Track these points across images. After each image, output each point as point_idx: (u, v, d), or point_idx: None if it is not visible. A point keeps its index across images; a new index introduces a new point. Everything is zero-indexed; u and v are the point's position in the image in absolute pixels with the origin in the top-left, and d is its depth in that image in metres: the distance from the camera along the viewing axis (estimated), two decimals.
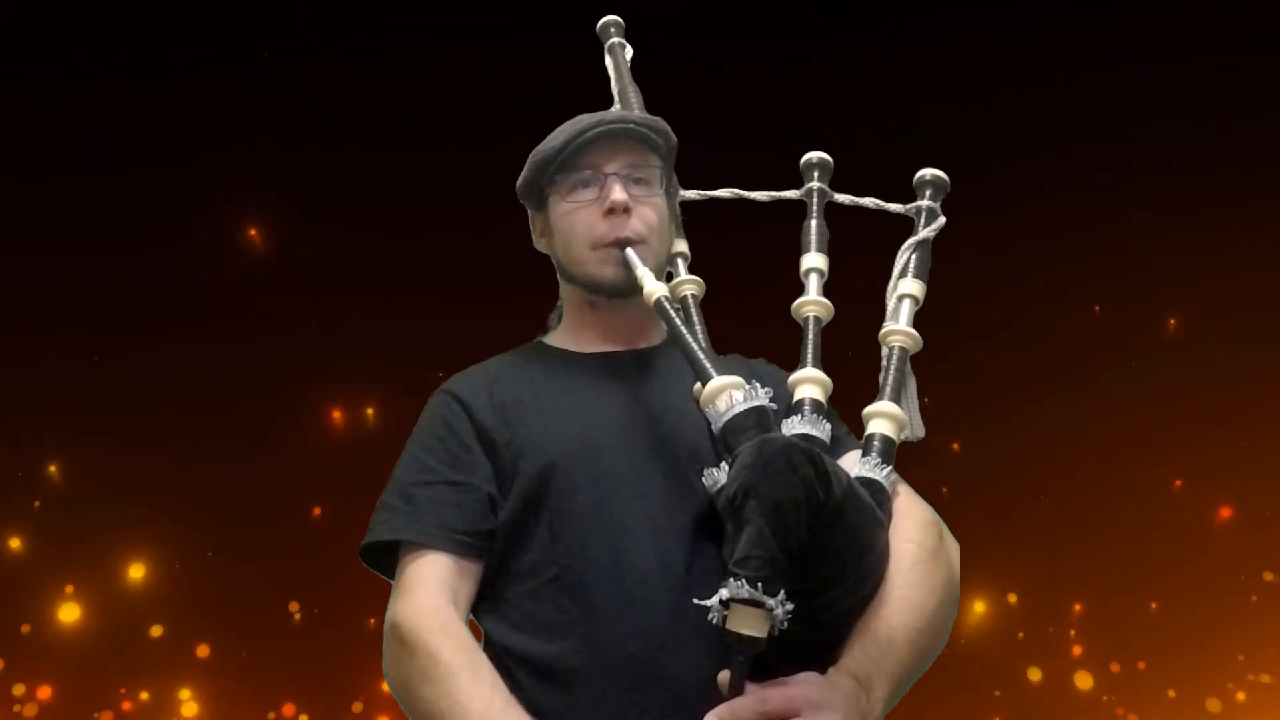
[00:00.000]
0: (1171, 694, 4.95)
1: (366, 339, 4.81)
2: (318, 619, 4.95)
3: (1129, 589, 4.96)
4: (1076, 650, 5.12)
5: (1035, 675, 5.06)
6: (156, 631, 4.95)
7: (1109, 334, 4.94)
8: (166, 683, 4.96)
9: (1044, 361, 4.88)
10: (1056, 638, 5.12)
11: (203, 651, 4.96)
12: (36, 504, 4.95)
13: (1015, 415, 4.89)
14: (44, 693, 4.92)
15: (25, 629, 4.90)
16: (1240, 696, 4.93)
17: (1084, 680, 5.05)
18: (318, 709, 4.99)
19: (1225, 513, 5.05)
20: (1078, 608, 5.15)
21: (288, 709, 5.00)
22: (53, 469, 4.98)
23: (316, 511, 5.04)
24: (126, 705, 4.95)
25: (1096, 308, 5.05)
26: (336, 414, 5.14)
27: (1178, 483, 5.06)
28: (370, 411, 5.15)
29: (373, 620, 4.30)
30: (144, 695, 4.97)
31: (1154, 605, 4.99)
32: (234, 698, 4.94)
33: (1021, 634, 5.11)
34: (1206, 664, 4.92)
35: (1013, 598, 5.06)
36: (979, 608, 4.96)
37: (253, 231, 5.05)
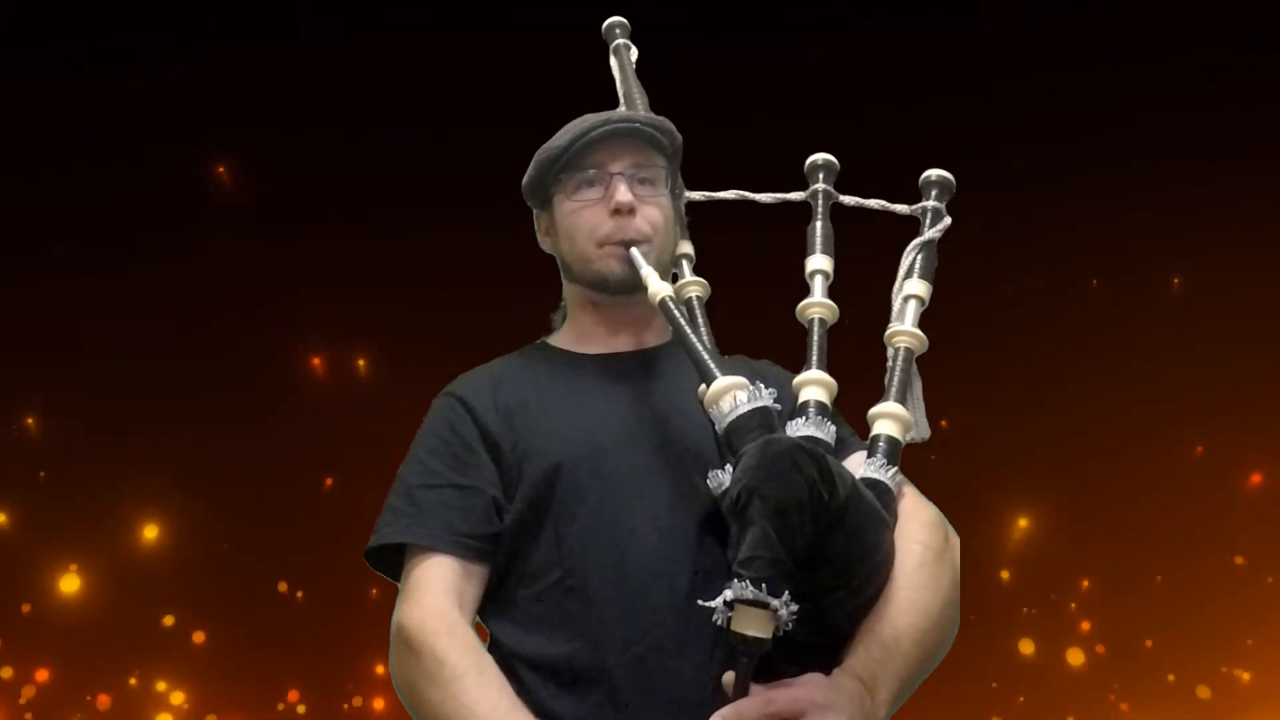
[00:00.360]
0: (1171, 678, 4.92)
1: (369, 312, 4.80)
2: (318, 595, 4.90)
3: (1137, 565, 4.91)
4: (1085, 625, 5.09)
5: (1028, 648, 5.04)
6: (161, 612, 4.93)
7: (1107, 300, 4.90)
8: (169, 665, 4.94)
9: (1040, 337, 4.85)
10: (1062, 614, 5.08)
11: (199, 637, 4.94)
12: (42, 474, 4.93)
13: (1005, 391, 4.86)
14: (41, 675, 4.90)
15: (26, 608, 4.88)
16: (1245, 677, 4.90)
17: (1077, 657, 5.02)
18: (320, 695, 4.98)
19: (1256, 479, 4.98)
20: (1085, 584, 5.12)
21: (292, 695, 4.99)
22: (54, 447, 4.95)
23: (329, 482, 5.03)
24: (106, 699, 4.93)
25: (1095, 282, 5.03)
26: (317, 361, 5.12)
27: (1199, 449, 5.01)
28: (361, 363, 5.14)
29: (375, 590, 4.31)
30: (133, 681, 4.95)
31: (1159, 578, 4.94)
32: (237, 680, 4.92)
33: (1026, 609, 5.08)
34: (1212, 646, 4.87)
35: (1005, 574, 5.01)
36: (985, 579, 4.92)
37: (225, 173, 5.02)
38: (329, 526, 4.55)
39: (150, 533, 5.03)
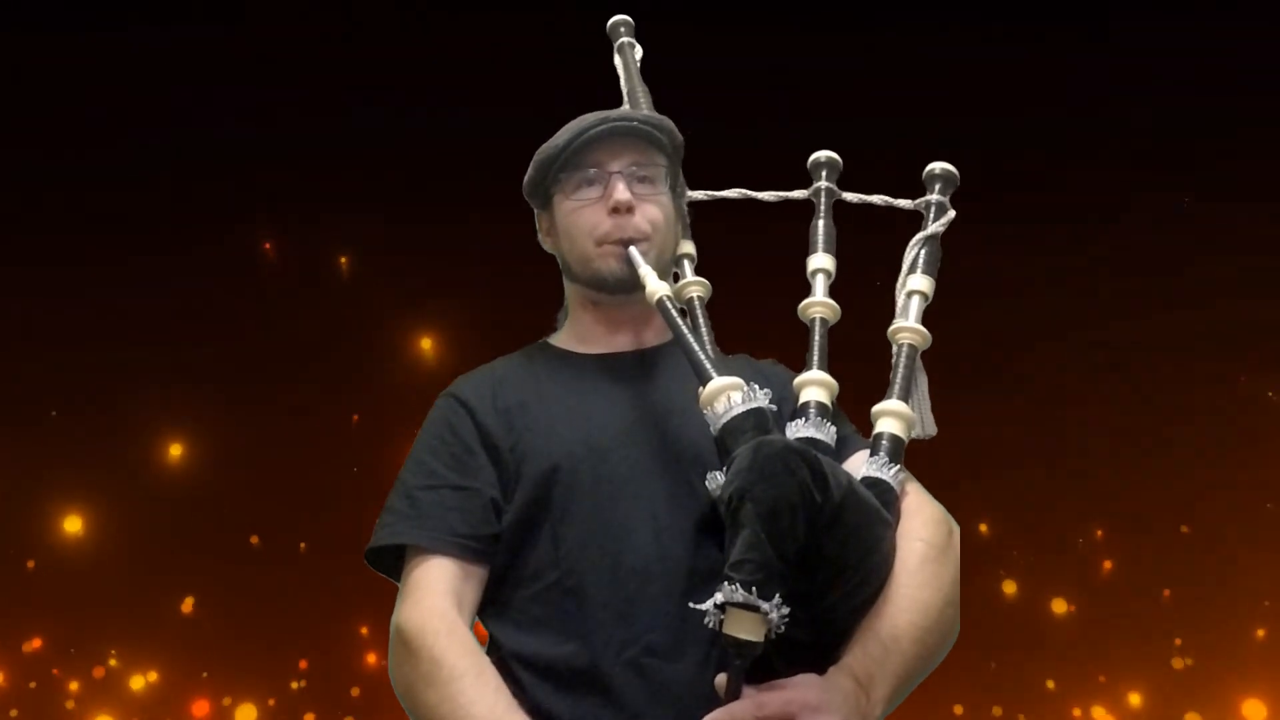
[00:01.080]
0: (1178, 642, 4.82)
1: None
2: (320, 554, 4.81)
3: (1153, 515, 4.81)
4: (1106, 564, 4.97)
5: (1010, 588, 4.94)
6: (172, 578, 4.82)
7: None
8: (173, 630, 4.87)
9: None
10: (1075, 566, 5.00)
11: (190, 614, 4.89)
12: (53, 413, 4.83)
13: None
14: (39, 637, 4.81)
15: (30, 564, 4.79)
16: (1261, 633, 4.78)
17: (1060, 606, 4.94)
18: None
19: None
20: (1099, 534, 5.03)
21: (303, 663, 4.96)
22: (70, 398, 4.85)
23: (355, 419, 5.00)
24: (100, 670, 4.87)
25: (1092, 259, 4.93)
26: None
27: (1242, 378, 4.82)
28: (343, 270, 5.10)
29: None
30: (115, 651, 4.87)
31: (1185, 529, 4.83)
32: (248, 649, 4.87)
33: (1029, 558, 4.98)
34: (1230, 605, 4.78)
35: (984, 527, 4.85)
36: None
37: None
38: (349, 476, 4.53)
39: (174, 452, 4.92)
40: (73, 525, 4.82)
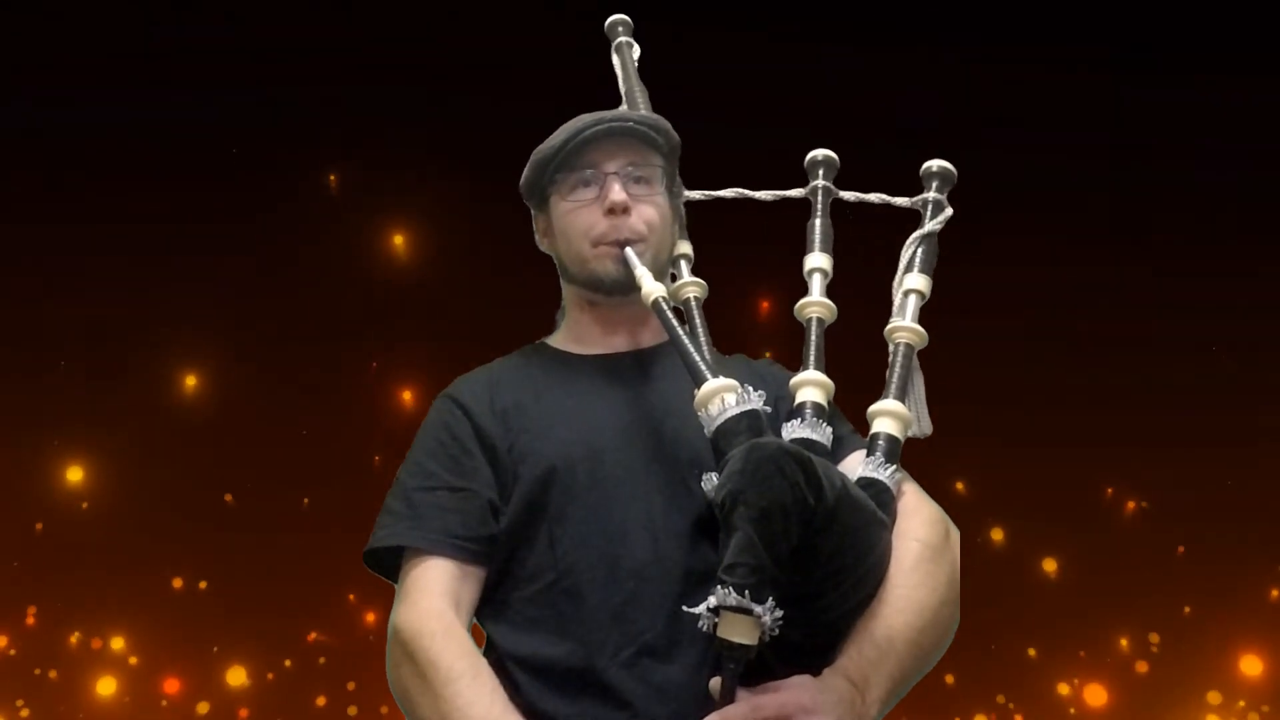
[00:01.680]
0: (1187, 610, 4.76)
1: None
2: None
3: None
4: (1131, 505, 4.89)
5: (998, 534, 4.87)
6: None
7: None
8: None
9: None
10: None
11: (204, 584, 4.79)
12: (61, 363, 4.67)
13: None
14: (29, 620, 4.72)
15: (38, 527, 4.66)
16: (1274, 594, 4.73)
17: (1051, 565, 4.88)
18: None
19: None
20: (1110, 492, 4.96)
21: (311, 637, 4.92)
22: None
23: (373, 366, 4.93)
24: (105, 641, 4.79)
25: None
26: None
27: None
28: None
29: None
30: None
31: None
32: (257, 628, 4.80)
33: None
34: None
35: (960, 486, 4.65)
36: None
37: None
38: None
39: (190, 383, 4.82)
40: (75, 475, 4.70)
